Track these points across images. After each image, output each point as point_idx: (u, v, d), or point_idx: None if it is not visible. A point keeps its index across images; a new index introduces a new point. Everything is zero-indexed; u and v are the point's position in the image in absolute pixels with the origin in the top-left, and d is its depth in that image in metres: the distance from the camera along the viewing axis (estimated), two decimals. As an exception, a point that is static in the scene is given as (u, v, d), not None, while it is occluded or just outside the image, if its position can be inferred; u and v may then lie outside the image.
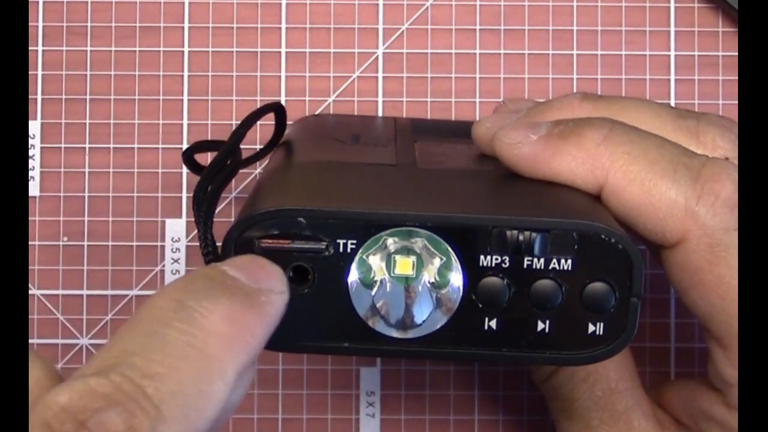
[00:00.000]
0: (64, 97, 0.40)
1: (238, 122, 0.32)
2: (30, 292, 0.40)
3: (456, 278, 0.26)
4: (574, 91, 0.40)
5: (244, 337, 0.24)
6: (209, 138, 0.40)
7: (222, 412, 0.23)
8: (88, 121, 0.40)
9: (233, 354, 0.23)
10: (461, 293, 0.26)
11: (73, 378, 0.22)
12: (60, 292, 0.40)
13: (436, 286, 0.26)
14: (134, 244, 0.40)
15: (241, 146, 0.31)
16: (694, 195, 0.28)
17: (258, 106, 0.31)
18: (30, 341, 0.39)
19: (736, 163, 0.29)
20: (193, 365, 0.22)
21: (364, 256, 0.26)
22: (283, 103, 0.40)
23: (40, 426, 0.21)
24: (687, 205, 0.28)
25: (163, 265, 0.40)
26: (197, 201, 0.29)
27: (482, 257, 0.26)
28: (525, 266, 0.26)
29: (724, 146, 0.30)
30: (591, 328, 0.26)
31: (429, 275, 0.26)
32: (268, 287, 0.25)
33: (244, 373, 0.24)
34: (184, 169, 0.40)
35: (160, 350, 0.22)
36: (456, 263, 0.26)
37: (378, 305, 0.26)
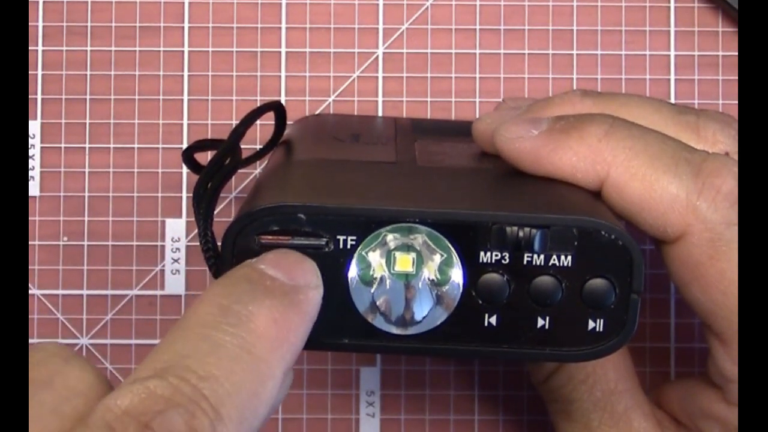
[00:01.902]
0: (64, 97, 0.40)
1: (239, 122, 0.32)
2: (30, 292, 0.40)
3: (456, 275, 0.26)
4: (574, 91, 0.40)
5: (288, 337, 0.24)
6: (208, 138, 0.40)
7: (271, 411, 0.24)
8: (88, 121, 0.40)
9: (280, 354, 0.24)
10: (461, 290, 0.26)
11: (129, 382, 0.22)
12: (60, 292, 0.40)
13: (436, 283, 0.26)
14: (134, 244, 0.40)
15: (241, 146, 0.31)
16: (695, 190, 0.28)
17: (258, 106, 0.31)
18: (30, 341, 0.39)
19: (737, 158, 0.29)
20: (246, 367, 0.23)
21: (363, 253, 0.26)
22: (283, 103, 0.40)
23: (102, 428, 0.21)
24: (688, 199, 0.28)
25: (163, 265, 0.40)
26: (197, 198, 0.29)
27: (482, 253, 0.26)
28: (525, 262, 0.26)
29: (725, 141, 0.30)
30: (591, 324, 0.26)
31: (429, 272, 0.26)
32: (304, 283, 0.25)
33: (288, 372, 0.25)
34: (184, 169, 0.40)
35: (213, 353, 0.23)
36: (456, 260, 0.26)
37: (378, 302, 0.26)
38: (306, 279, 0.25)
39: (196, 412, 0.22)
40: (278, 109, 0.33)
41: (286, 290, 0.25)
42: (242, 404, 0.23)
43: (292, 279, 0.25)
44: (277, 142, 0.34)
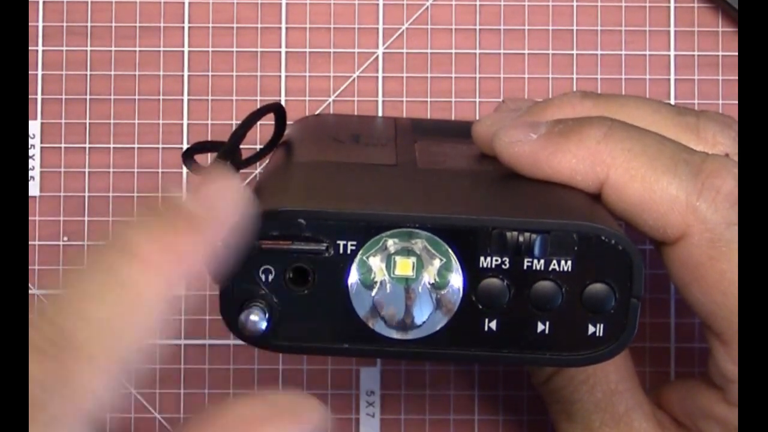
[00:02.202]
0: (64, 97, 0.40)
1: (239, 122, 0.31)
2: (30, 292, 0.40)
3: (456, 279, 0.26)
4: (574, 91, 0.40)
5: (176, 265, 0.24)
6: (209, 138, 0.40)
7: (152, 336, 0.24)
8: (88, 121, 0.40)
9: (161, 284, 0.23)
10: (461, 294, 0.26)
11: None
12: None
13: (436, 287, 0.26)
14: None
15: (242, 146, 0.31)
16: (695, 190, 0.28)
17: (258, 106, 0.31)
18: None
19: (737, 159, 0.29)
20: (120, 299, 0.23)
21: (364, 257, 0.26)
22: (283, 103, 0.40)
23: None
24: (688, 200, 0.28)
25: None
26: None
27: (482, 258, 0.26)
28: (525, 267, 0.26)
29: (724, 142, 0.30)
30: (591, 329, 0.26)
31: (429, 276, 0.26)
32: (214, 209, 0.25)
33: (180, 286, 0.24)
34: (184, 169, 0.40)
35: (89, 287, 0.23)
36: (456, 264, 0.26)
37: (378, 306, 0.26)
38: (217, 205, 0.25)
39: (62, 354, 0.22)
40: (278, 111, 0.33)
41: (185, 215, 0.24)
42: (113, 338, 0.22)
43: (204, 206, 0.25)
44: (277, 142, 0.34)
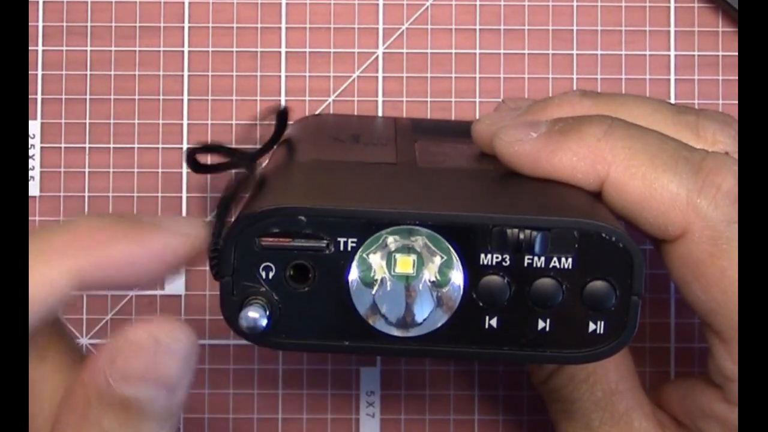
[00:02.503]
0: (64, 97, 0.40)
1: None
2: (30, 292, 0.40)
3: (456, 277, 0.26)
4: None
5: (97, 249, 0.25)
6: (209, 138, 0.40)
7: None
8: (88, 121, 0.40)
9: (78, 258, 0.25)
10: (462, 292, 0.26)
11: None
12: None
13: (436, 285, 0.26)
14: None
15: (241, 147, 0.31)
16: (696, 188, 0.28)
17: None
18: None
19: (736, 157, 0.29)
20: (33, 252, 0.25)
21: (364, 255, 0.26)
22: (283, 102, 0.40)
23: None
24: (688, 198, 0.28)
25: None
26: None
27: (483, 256, 0.26)
28: (525, 265, 0.26)
29: (724, 141, 0.30)
30: (591, 326, 0.26)
31: (429, 274, 0.26)
32: (167, 228, 0.26)
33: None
34: (184, 169, 0.40)
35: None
36: (456, 262, 0.26)
37: (378, 304, 0.26)
38: (170, 225, 0.27)
39: None
40: (282, 113, 0.33)
41: (134, 223, 0.26)
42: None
43: (159, 223, 0.27)
44: (276, 141, 0.34)
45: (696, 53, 0.40)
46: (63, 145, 0.40)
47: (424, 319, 0.26)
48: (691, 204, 0.28)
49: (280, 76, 0.40)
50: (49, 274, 0.25)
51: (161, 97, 0.40)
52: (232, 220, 0.28)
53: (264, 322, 0.26)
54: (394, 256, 0.26)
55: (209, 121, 0.40)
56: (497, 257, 0.26)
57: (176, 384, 0.25)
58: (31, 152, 0.40)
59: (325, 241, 0.26)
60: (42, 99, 0.40)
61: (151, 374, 0.25)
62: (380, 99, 0.40)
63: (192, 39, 0.40)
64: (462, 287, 0.26)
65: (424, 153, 0.32)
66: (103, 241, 0.26)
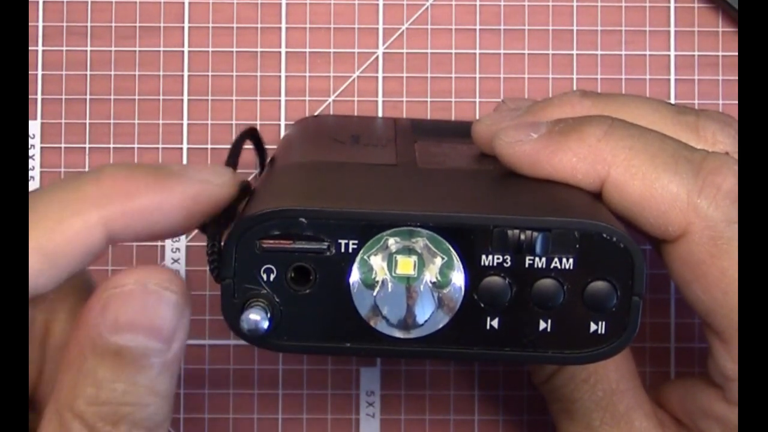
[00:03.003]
0: (64, 97, 0.40)
1: (238, 123, 0.32)
2: (30, 292, 0.39)
3: (457, 278, 0.26)
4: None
5: (126, 198, 0.26)
6: (209, 138, 0.40)
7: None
8: (88, 121, 0.40)
9: (109, 209, 0.25)
10: (463, 293, 0.26)
11: None
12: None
13: (437, 286, 0.26)
14: (134, 243, 0.40)
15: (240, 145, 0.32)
16: (696, 188, 0.28)
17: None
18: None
19: (736, 157, 0.30)
20: (62, 204, 0.25)
21: (365, 257, 0.26)
22: (283, 102, 0.40)
23: None
24: (689, 197, 0.28)
25: (163, 265, 0.40)
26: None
27: (484, 257, 0.26)
28: (526, 265, 0.26)
29: (724, 141, 0.30)
30: (593, 327, 0.26)
31: (430, 275, 0.26)
32: (194, 177, 0.27)
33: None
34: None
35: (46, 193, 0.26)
36: (457, 263, 0.26)
37: (380, 305, 0.26)
38: (197, 174, 0.27)
39: None
40: (254, 135, 0.34)
41: (165, 172, 0.27)
42: (41, 236, 0.24)
43: (186, 172, 0.27)
44: (264, 162, 0.34)
45: (696, 53, 0.40)
46: (63, 145, 0.40)
47: (426, 321, 0.26)
48: (691, 204, 0.28)
49: (280, 76, 0.40)
50: (82, 225, 0.25)
51: (161, 97, 0.40)
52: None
53: (265, 324, 0.26)
54: (395, 257, 0.26)
55: (209, 121, 0.40)
56: (498, 258, 0.26)
57: (169, 334, 0.25)
58: (31, 152, 0.40)
59: (326, 243, 0.26)
60: (42, 99, 0.40)
61: (141, 322, 0.25)
62: (380, 99, 0.40)
63: (192, 39, 0.40)
64: (463, 288, 0.26)
65: (424, 154, 0.32)
66: (131, 191, 0.26)
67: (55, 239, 0.25)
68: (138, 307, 0.25)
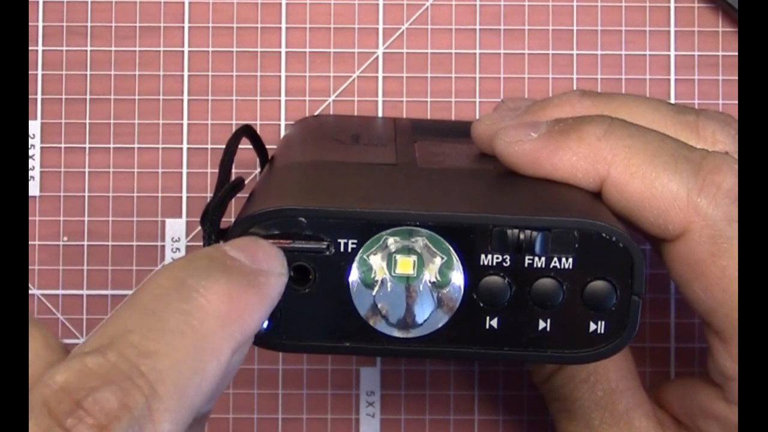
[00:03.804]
0: (64, 97, 0.40)
1: (238, 123, 0.32)
2: (30, 292, 0.40)
3: (457, 277, 0.26)
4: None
5: (241, 316, 0.24)
6: (209, 138, 0.40)
7: (218, 387, 0.24)
8: (88, 121, 0.40)
9: (229, 333, 0.23)
10: (462, 292, 0.26)
11: (71, 356, 0.22)
12: (60, 292, 0.40)
13: (437, 286, 0.26)
14: (134, 244, 0.40)
15: (240, 147, 0.31)
16: (696, 187, 0.28)
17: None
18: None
19: (736, 157, 0.30)
20: (189, 344, 0.23)
21: (365, 256, 0.26)
22: (283, 102, 0.40)
23: (39, 405, 0.21)
24: (689, 196, 0.28)
25: (163, 265, 0.40)
26: (203, 219, 0.28)
27: (483, 256, 0.26)
28: (526, 265, 0.26)
29: (724, 140, 0.30)
30: (592, 326, 0.26)
31: (430, 274, 0.26)
32: (267, 268, 0.25)
33: (240, 350, 0.24)
34: (185, 169, 0.40)
35: (158, 329, 0.22)
36: (457, 262, 0.26)
37: (379, 305, 0.26)
38: (270, 265, 0.25)
39: (131, 390, 0.21)
40: (250, 134, 0.34)
41: (245, 272, 0.24)
42: (181, 381, 0.22)
43: (255, 262, 0.25)
44: (265, 160, 0.34)
45: (696, 53, 0.40)
46: (63, 145, 0.40)
47: (425, 320, 0.26)
48: (691, 203, 0.28)
49: (280, 76, 0.40)
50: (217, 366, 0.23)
51: (161, 97, 0.40)
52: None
53: (265, 323, 0.26)
54: (395, 257, 0.26)
55: (209, 121, 0.40)
56: (497, 258, 0.26)
57: None
58: (31, 152, 0.40)
59: (325, 243, 0.26)
60: (42, 99, 0.40)
61: None
62: (380, 99, 0.40)
63: (192, 39, 0.40)
64: (462, 288, 0.26)
65: (424, 153, 0.32)
66: (242, 307, 0.24)
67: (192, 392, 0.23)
68: None
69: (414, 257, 0.26)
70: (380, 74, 0.40)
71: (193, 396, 0.22)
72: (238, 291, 0.24)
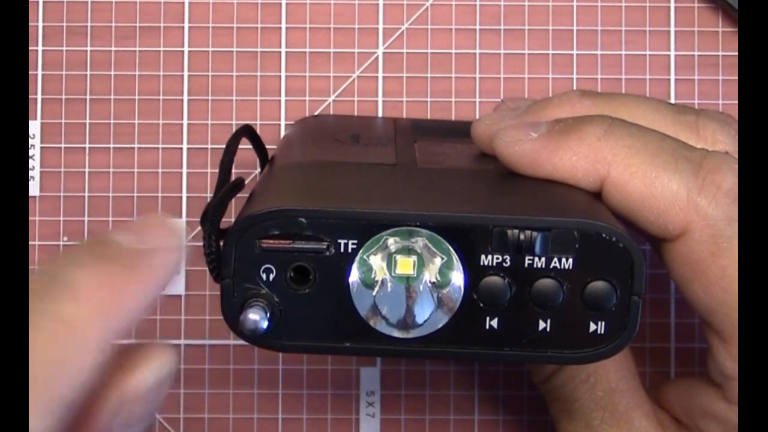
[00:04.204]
0: (64, 97, 0.40)
1: (238, 123, 0.32)
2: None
3: (457, 278, 0.26)
4: (574, 91, 0.40)
5: (115, 303, 0.23)
6: (209, 138, 0.40)
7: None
8: (88, 121, 0.40)
9: (101, 323, 0.23)
10: (462, 293, 0.26)
11: None
12: None
13: (437, 286, 0.26)
14: (134, 244, 0.40)
15: (240, 147, 0.31)
16: (696, 186, 0.28)
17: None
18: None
19: (736, 157, 0.30)
20: (59, 338, 0.22)
21: (365, 256, 0.26)
22: (283, 102, 0.40)
23: None
24: (689, 196, 0.28)
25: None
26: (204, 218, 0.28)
27: (483, 256, 0.26)
28: (526, 265, 0.26)
29: (724, 140, 0.30)
30: (592, 326, 0.26)
31: (430, 275, 0.26)
32: (153, 245, 0.24)
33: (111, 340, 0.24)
34: (185, 169, 0.40)
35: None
36: (457, 263, 0.26)
37: (379, 305, 0.26)
38: (156, 241, 0.24)
39: None
40: (250, 134, 0.33)
41: (123, 254, 0.24)
42: (48, 374, 0.22)
43: (140, 242, 0.24)
44: (265, 160, 0.34)
45: (696, 53, 0.40)
46: (63, 145, 0.40)
47: (425, 320, 0.26)
48: (691, 202, 0.28)
49: (280, 76, 0.40)
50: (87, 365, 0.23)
51: (161, 97, 0.40)
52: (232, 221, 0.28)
53: (265, 324, 0.26)
54: (395, 257, 0.26)
55: (209, 121, 0.40)
56: (497, 258, 0.26)
57: None
58: (31, 152, 0.40)
59: (325, 243, 0.26)
60: (42, 99, 0.40)
61: None
62: (380, 99, 0.40)
63: (192, 39, 0.40)
64: (462, 288, 0.26)
65: (424, 153, 0.32)
66: (117, 292, 0.24)
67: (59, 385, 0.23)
68: None
69: (414, 257, 0.26)
70: (380, 74, 0.40)
71: (61, 388, 0.22)
72: (111, 277, 0.23)
